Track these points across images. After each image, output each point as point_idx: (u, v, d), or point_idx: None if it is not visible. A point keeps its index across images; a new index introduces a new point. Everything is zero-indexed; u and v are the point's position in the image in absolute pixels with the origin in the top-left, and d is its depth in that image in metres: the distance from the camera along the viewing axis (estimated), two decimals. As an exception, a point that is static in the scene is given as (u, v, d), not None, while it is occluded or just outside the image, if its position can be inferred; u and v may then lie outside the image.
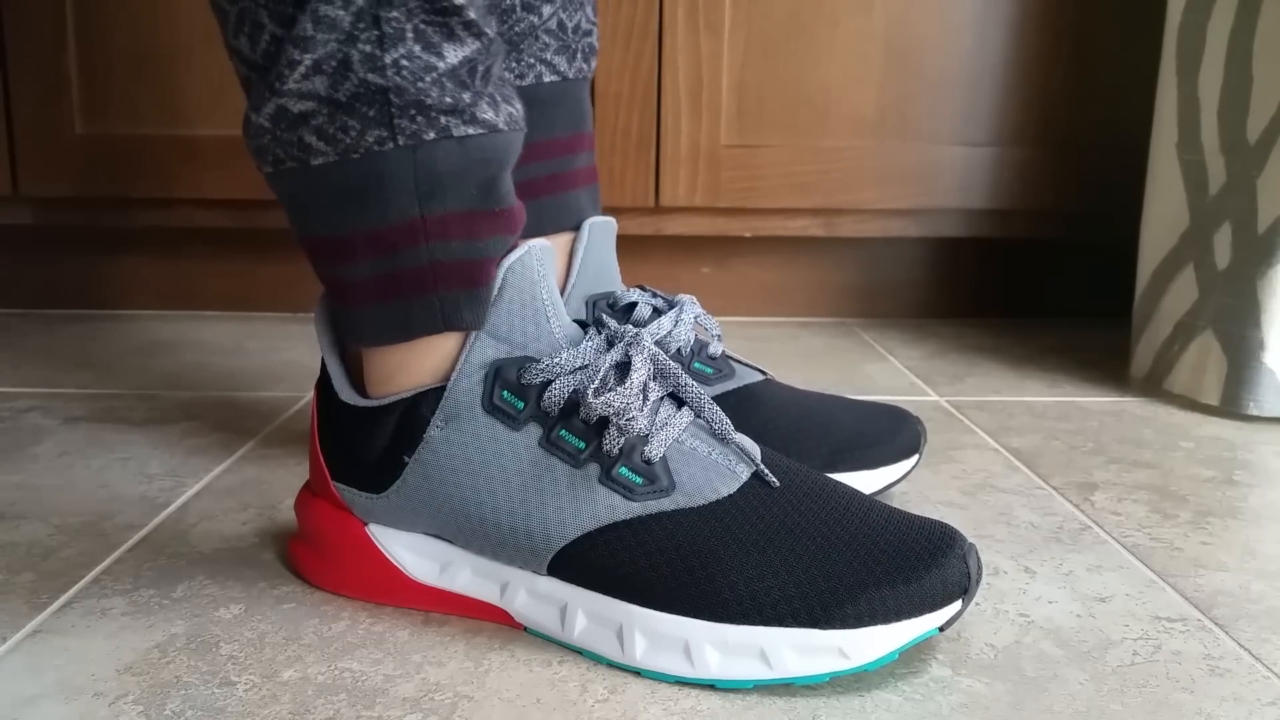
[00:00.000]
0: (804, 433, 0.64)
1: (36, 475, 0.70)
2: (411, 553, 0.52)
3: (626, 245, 1.19)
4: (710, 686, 0.46)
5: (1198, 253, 0.91)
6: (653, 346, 0.49)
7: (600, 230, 0.67)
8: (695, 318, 0.64)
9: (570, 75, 0.67)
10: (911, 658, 0.48)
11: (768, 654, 0.45)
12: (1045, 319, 1.25)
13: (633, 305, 0.65)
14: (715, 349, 0.66)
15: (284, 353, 1.05)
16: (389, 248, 0.47)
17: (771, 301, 1.25)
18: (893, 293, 1.26)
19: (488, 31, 0.47)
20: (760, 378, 0.67)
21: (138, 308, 1.23)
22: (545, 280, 0.49)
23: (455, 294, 0.48)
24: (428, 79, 0.45)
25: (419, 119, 0.45)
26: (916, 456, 0.66)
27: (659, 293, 0.66)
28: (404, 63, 0.45)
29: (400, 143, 0.46)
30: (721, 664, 0.45)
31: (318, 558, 0.54)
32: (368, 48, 0.45)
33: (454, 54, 0.46)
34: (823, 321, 1.24)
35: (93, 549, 0.59)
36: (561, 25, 0.66)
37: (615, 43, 1.10)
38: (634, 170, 1.12)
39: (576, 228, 0.67)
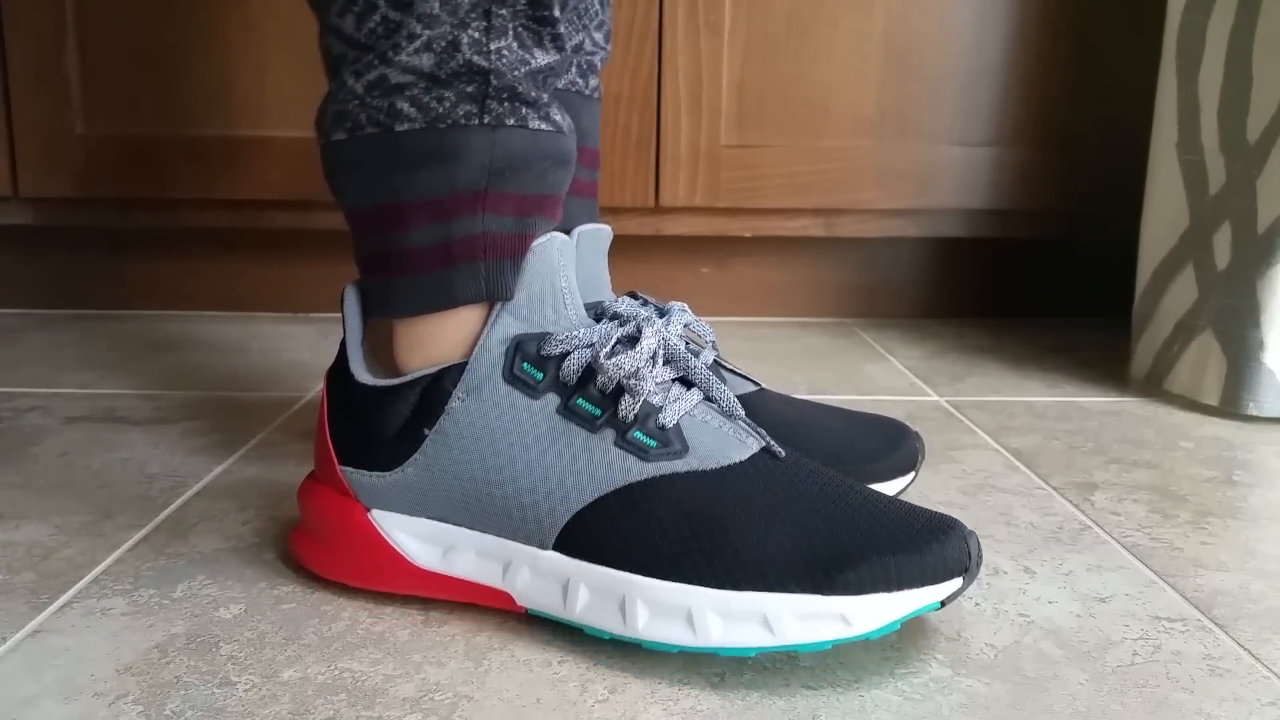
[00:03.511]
0: (794, 446, 0.62)
1: (36, 475, 0.70)
2: (413, 538, 0.52)
3: (626, 246, 1.19)
4: (711, 686, 0.46)
5: (1198, 253, 0.91)
6: (664, 330, 0.51)
7: (590, 238, 0.65)
8: (686, 325, 0.62)
9: (560, 85, 0.68)
10: (911, 658, 0.48)
11: (770, 620, 0.45)
12: (1045, 319, 1.25)
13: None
14: (706, 357, 0.63)
15: (284, 353, 1.05)
16: (447, 215, 0.50)
17: (771, 301, 1.25)
18: (892, 293, 1.26)
19: (566, 48, 0.52)
20: (753, 388, 0.66)
21: (138, 308, 1.23)
22: (565, 270, 0.51)
23: (502, 262, 0.50)
24: (521, 71, 0.50)
25: (506, 104, 0.50)
26: (912, 475, 0.64)
27: (650, 300, 0.64)
28: (504, 53, 0.50)
29: (485, 121, 0.50)
30: (724, 631, 0.46)
31: (319, 546, 0.54)
32: (476, 34, 0.49)
33: (542, 58, 0.51)
34: (823, 321, 1.24)
35: (93, 549, 0.59)
36: None
37: (615, 43, 1.10)
38: (634, 170, 1.12)
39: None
